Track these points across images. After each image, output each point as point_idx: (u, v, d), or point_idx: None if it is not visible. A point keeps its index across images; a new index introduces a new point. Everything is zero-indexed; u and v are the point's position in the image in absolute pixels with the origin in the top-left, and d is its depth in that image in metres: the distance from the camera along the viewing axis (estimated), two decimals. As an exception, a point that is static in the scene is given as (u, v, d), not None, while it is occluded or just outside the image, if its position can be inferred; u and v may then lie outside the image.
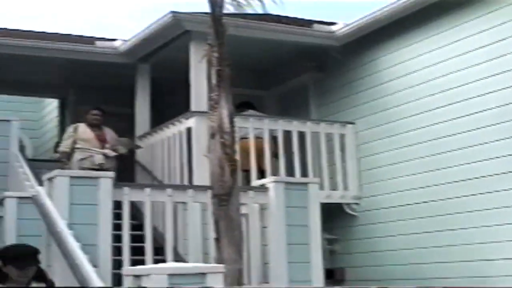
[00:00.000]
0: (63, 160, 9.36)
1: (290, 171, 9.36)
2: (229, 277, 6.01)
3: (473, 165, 8.30)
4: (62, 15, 27.87)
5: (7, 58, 10.18)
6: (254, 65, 10.93)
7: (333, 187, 9.75)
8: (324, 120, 10.18)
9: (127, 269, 5.97)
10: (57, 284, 5.51)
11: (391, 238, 9.25)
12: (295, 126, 9.68)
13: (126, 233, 6.97)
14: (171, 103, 11.03)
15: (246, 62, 10.33)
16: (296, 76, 10.94)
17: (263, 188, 7.63)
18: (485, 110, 8.23)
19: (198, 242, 7.27)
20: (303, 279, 7.36)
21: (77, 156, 9.27)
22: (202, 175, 8.33)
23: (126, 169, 9.68)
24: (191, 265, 6.06)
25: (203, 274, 5.34)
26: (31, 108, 13.23)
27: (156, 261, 6.64)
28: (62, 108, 12.45)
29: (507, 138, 7.95)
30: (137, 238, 7.35)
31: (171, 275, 5.24)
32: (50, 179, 6.99)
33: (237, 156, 6.79)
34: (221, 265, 5.75)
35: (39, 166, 9.32)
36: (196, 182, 8.61)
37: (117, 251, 6.95)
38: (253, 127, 9.37)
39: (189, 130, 9.12)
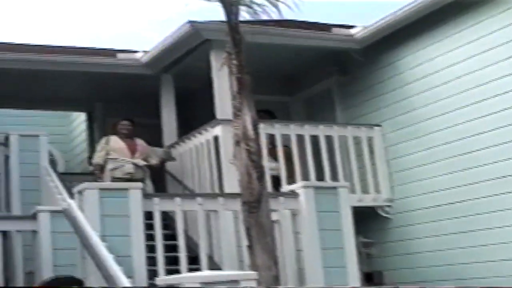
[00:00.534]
0: (96, 172, 9.45)
1: (319, 176, 9.34)
2: (263, 283, 6.00)
3: (505, 163, 8.23)
4: (71, 28, 28.12)
5: (32, 74, 10.30)
6: (277, 72, 10.92)
7: (365, 191, 9.72)
8: (351, 123, 10.16)
9: (160, 279, 6.01)
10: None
11: (426, 239, 9.19)
12: (321, 131, 9.66)
13: (159, 243, 6.97)
14: (196, 111, 11.07)
15: (269, 68, 10.36)
16: (319, 81, 10.94)
17: (293, 194, 7.61)
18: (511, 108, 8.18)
19: (232, 250, 7.27)
20: (339, 283, 7.32)
21: (109, 166, 9.37)
22: (232, 182, 8.32)
23: (157, 180, 9.73)
24: (223, 273, 6.06)
25: (236, 281, 5.34)
26: (59, 122, 13.32)
27: (191, 270, 6.64)
28: (90, 121, 12.53)
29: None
30: (172, 248, 7.37)
31: (203, 283, 5.25)
32: (80, 192, 7.02)
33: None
34: (254, 272, 5.74)
35: (71, 179, 9.45)
36: (226, 189, 8.61)
37: (152, 261, 6.97)
38: (279, 133, 9.37)
39: (216, 138, 9.13)
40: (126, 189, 6.95)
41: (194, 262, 7.25)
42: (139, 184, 7.15)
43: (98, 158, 9.54)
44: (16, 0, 27.49)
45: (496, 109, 8.37)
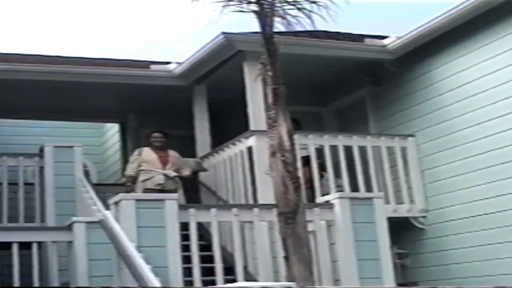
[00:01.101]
0: (129, 184, 9.50)
1: (353, 187, 9.31)
2: (301, 294, 5.98)
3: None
4: (102, 40, 28.38)
5: (66, 85, 10.38)
6: (310, 82, 10.92)
7: (399, 201, 9.66)
8: (384, 133, 10.11)
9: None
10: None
11: (462, 250, 9.10)
12: (355, 141, 9.63)
13: (195, 254, 6.99)
14: (229, 122, 11.10)
15: (302, 79, 10.36)
16: (352, 91, 10.92)
17: (328, 205, 7.59)
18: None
19: (268, 261, 7.27)
20: (375, 294, 7.30)
21: (141, 177, 9.43)
22: (266, 193, 8.31)
23: (191, 190, 9.75)
24: (258, 284, 6.06)
25: (278, 292, 5.33)
26: (93, 133, 13.40)
27: (226, 281, 6.64)
28: (123, 132, 12.59)
29: None
30: (207, 259, 7.37)
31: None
32: (116, 203, 7.07)
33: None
34: (291, 283, 5.72)
35: (104, 190, 9.55)
36: (260, 200, 8.60)
37: (188, 272, 6.98)
38: (313, 143, 9.35)
39: (250, 149, 9.13)
40: (162, 200, 6.98)
41: (228, 272, 7.25)
42: (175, 195, 7.18)
43: (130, 169, 9.62)
44: (49, 14, 27.88)
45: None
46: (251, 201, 8.91)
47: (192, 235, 7.05)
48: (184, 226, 7.09)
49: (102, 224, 7.11)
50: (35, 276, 7.17)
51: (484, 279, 8.70)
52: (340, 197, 7.61)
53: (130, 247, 6.51)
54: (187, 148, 10.47)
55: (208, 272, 7.22)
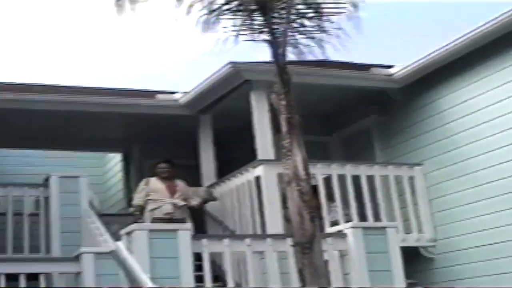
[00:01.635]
0: (136, 214, 9.42)
1: (361, 216, 9.25)
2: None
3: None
4: (95, 70, 28.39)
5: (69, 115, 10.33)
6: (317, 111, 10.89)
7: (407, 231, 9.61)
8: (392, 162, 10.08)
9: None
10: None
11: (472, 280, 9.02)
12: (362, 170, 9.60)
13: (208, 285, 6.91)
14: (234, 152, 11.03)
15: (308, 108, 10.28)
16: (359, 120, 10.91)
17: (341, 234, 7.53)
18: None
19: (280, 291, 7.18)
20: (391, 325, 7.22)
21: (149, 207, 9.36)
22: (275, 223, 8.28)
23: (196, 220, 9.66)
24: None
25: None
26: (94, 163, 13.32)
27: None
28: (126, 162, 12.52)
29: None
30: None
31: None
32: (128, 233, 7.00)
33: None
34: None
35: (107, 220, 9.41)
36: (269, 230, 8.52)
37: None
38: (321, 173, 9.30)
39: (257, 179, 9.07)
40: (175, 230, 6.92)
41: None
42: (188, 225, 7.12)
43: (138, 199, 9.55)
44: (49, 44, 27.94)
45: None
46: (259, 231, 8.83)
47: (205, 266, 6.98)
48: (196, 257, 7.01)
49: (113, 255, 7.01)
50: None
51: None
52: (353, 227, 7.57)
53: (144, 278, 6.43)
54: (192, 177, 10.39)
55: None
